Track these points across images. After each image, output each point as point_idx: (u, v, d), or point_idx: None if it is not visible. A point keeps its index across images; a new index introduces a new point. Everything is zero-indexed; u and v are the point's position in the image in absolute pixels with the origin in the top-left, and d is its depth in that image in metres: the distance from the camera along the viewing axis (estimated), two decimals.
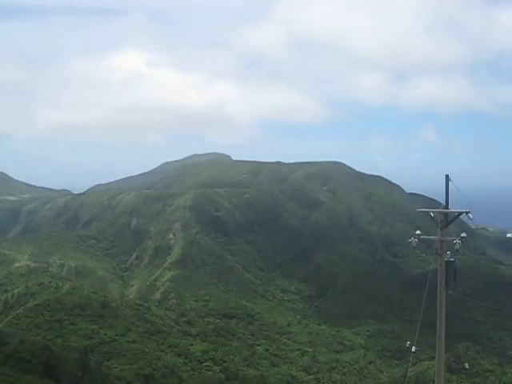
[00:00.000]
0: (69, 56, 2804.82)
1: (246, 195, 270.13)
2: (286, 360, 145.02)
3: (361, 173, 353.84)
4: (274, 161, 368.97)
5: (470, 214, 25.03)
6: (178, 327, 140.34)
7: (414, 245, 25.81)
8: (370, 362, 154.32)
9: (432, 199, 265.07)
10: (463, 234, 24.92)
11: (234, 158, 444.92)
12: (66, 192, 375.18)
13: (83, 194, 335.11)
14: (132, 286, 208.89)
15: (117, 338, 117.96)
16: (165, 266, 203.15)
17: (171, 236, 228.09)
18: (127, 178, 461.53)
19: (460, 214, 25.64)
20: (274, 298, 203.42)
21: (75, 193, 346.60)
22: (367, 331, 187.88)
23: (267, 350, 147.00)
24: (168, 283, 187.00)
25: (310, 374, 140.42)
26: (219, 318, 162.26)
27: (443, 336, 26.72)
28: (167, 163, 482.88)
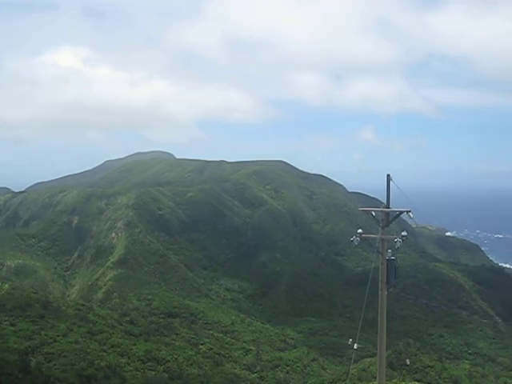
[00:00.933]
0: None
1: (189, 194, 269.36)
2: (230, 359, 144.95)
3: (304, 172, 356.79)
4: (217, 159, 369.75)
5: (410, 213, 25.43)
6: (121, 327, 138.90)
7: (356, 243, 26.09)
8: (313, 360, 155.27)
9: (374, 198, 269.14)
10: (404, 233, 25.31)
11: (177, 157, 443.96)
12: (6, 190, 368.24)
13: (23, 192, 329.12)
14: (74, 285, 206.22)
15: (58, 338, 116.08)
16: (107, 265, 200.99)
17: (114, 235, 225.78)
18: (69, 176, 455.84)
19: (401, 213, 26.02)
20: (218, 296, 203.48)
21: (15, 191, 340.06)
22: (310, 329, 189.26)
23: (211, 349, 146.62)
24: (110, 282, 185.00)
25: (253, 373, 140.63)
26: (162, 318, 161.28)
27: (384, 333, 27.11)
28: (110, 161, 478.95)
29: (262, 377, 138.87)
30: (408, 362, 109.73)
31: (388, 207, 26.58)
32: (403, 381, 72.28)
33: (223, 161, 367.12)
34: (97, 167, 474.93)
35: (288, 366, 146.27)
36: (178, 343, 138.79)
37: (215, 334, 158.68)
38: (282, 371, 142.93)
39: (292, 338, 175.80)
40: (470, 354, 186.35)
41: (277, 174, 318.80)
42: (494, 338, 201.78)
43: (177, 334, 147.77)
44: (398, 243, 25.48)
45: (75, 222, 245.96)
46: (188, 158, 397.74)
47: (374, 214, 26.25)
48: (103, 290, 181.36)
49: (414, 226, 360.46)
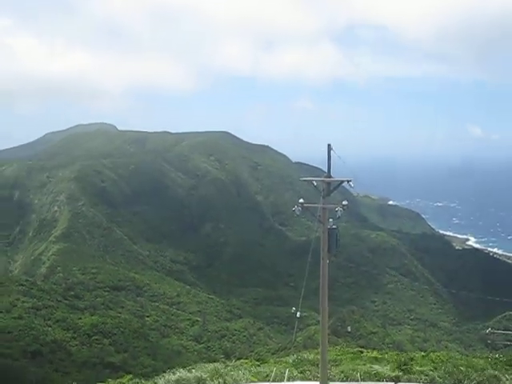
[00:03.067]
0: None
1: (131, 166, 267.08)
2: (176, 330, 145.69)
3: (247, 142, 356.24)
4: (159, 130, 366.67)
5: (351, 183, 25.77)
6: (66, 301, 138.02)
7: (298, 213, 26.29)
8: (259, 329, 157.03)
9: (318, 168, 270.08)
10: (344, 202, 25.59)
11: (120, 128, 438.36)
12: None
13: None
14: (16, 261, 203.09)
15: (1, 314, 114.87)
16: (50, 239, 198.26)
17: (56, 208, 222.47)
18: (7, 149, 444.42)
19: (342, 182, 26.31)
20: (163, 268, 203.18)
21: None
22: (255, 299, 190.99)
23: (157, 321, 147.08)
24: (54, 257, 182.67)
25: (200, 343, 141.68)
26: (107, 291, 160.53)
27: (326, 301, 27.52)
28: (51, 133, 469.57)
29: (208, 347, 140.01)
30: (349, 329, 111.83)
31: (329, 177, 26.80)
32: (347, 347, 73.18)
33: (166, 132, 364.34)
34: (37, 140, 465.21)
35: (234, 335, 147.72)
36: (124, 316, 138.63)
37: (161, 306, 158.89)
38: (228, 341, 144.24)
39: (238, 309, 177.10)
40: (411, 319, 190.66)
41: (220, 144, 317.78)
42: (434, 304, 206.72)
43: (122, 307, 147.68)
44: (339, 212, 25.73)
45: (16, 196, 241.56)
46: (130, 129, 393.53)
47: (315, 183, 26.43)
48: (47, 264, 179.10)
49: (355, 195, 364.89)
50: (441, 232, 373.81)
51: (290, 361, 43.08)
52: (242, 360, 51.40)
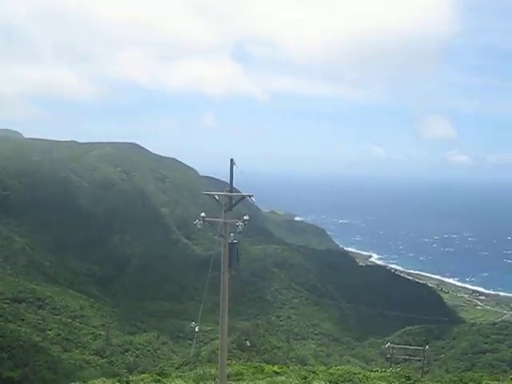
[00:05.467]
0: None
1: (36, 174, 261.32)
2: (79, 344, 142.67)
3: (156, 154, 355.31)
4: (67, 140, 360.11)
5: (252, 198, 26.17)
6: None
7: (200, 227, 26.50)
8: (163, 343, 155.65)
9: (225, 182, 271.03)
10: (246, 217, 25.93)
11: (26, 136, 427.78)
12: None
13: None
14: None
15: None
16: None
17: None
18: None
19: (243, 197, 26.69)
20: (66, 280, 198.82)
21: None
22: (160, 312, 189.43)
23: (59, 334, 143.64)
24: None
25: (103, 358, 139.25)
26: (7, 303, 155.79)
27: (226, 315, 27.71)
28: None
29: (111, 361, 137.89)
30: (248, 343, 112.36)
31: (231, 191, 27.11)
32: (250, 362, 73.75)
33: (73, 141, 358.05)
34: None
35: (138, 350, 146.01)
36: (24, 329, 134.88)
37: (63, 319, 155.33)
38: (131, 355, 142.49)
39: (142, 322, 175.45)
40: (315, 334, 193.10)
41: (128, 156, 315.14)
42: (338, 319, 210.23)
43: (23, 320, 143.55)
44: (239, 227, 26.08)
45: None
46: (37, 137, 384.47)
47: (217, 197, 26.72)
48: None
49: (263, 210, 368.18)
50: (345, 248, 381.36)
51: (192, 375, 43.15)
52: (143, 375, 51.04)
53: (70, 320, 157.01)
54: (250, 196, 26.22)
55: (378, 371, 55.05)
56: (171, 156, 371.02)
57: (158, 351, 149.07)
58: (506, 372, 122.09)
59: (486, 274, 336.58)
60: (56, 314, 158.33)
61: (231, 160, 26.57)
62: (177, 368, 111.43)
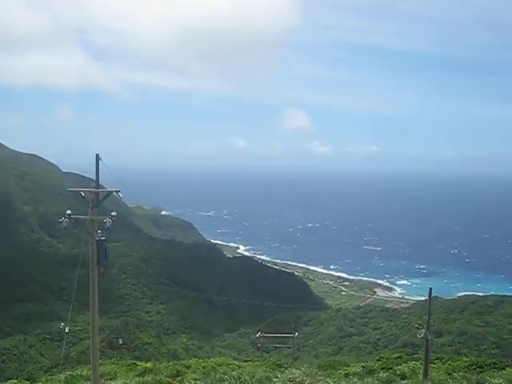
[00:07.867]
0: None
1: None
2: None
3: (14, 151, 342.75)
4: None
5: (120, 193, 25.64)
6: None
7: (65, 225, 25.75)
8: (30, 346, 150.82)
9: (89, 178, 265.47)
10: (113, 213, 25.39)
11: None
12: None
13: None
14: None
15: None
16: None
17: None
18: None
19: (110, 193, 26.11)
20: None
21: None
22: (26, 315, 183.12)
23: None
24: None
25: None
26: None
27: (97, 314, 27.12)
28: None
29: None
30: (120, 341, 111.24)
31: (97, 187, 26.47)
32: (122, 360, 72.77)
33: None
34: None
35: (3, 355, 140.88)
36: None
37: None
38: None
39: (8, 326, 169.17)
40: (186, 328, 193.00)
41: None
42: (208, 312, 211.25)
43: None
44: (107, 223, 25.52)
45: None
46: None
47: (82, 194, 26.02)
48: None
49: (130, 205, 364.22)
50: (212, 241, 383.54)
51: (63, 377, 42.02)
52: (11, 380, 49.21)
53: None
54: (117, 191, 25.67)
55: (250, 361, 55.72)
56: (32, 152, 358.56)
57: (25, 355, 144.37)
58: (371, 353, 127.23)
59: (348, 261, 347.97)
60: None
61: (97, 155, 25.89)
62: (45, 371, 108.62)
